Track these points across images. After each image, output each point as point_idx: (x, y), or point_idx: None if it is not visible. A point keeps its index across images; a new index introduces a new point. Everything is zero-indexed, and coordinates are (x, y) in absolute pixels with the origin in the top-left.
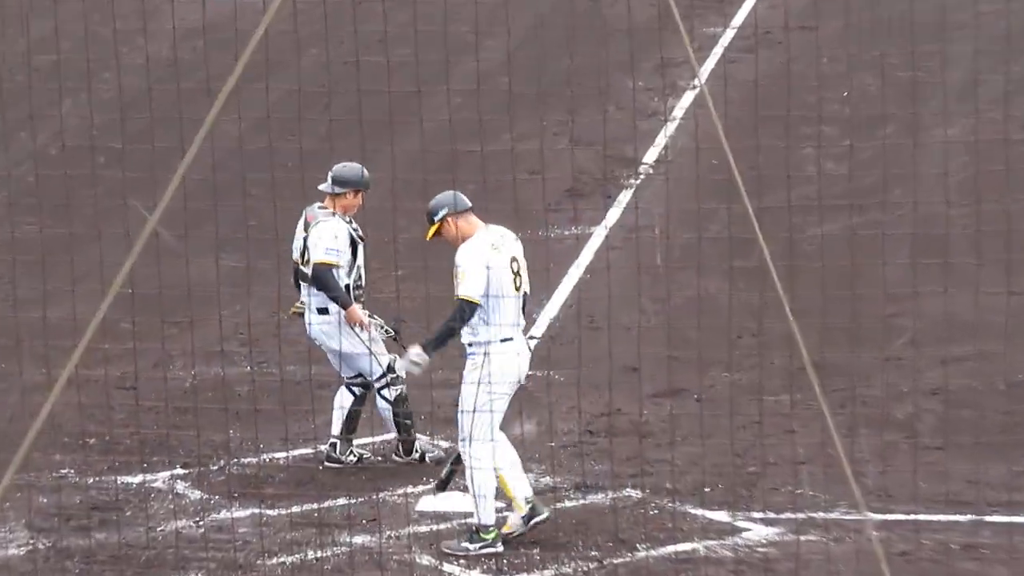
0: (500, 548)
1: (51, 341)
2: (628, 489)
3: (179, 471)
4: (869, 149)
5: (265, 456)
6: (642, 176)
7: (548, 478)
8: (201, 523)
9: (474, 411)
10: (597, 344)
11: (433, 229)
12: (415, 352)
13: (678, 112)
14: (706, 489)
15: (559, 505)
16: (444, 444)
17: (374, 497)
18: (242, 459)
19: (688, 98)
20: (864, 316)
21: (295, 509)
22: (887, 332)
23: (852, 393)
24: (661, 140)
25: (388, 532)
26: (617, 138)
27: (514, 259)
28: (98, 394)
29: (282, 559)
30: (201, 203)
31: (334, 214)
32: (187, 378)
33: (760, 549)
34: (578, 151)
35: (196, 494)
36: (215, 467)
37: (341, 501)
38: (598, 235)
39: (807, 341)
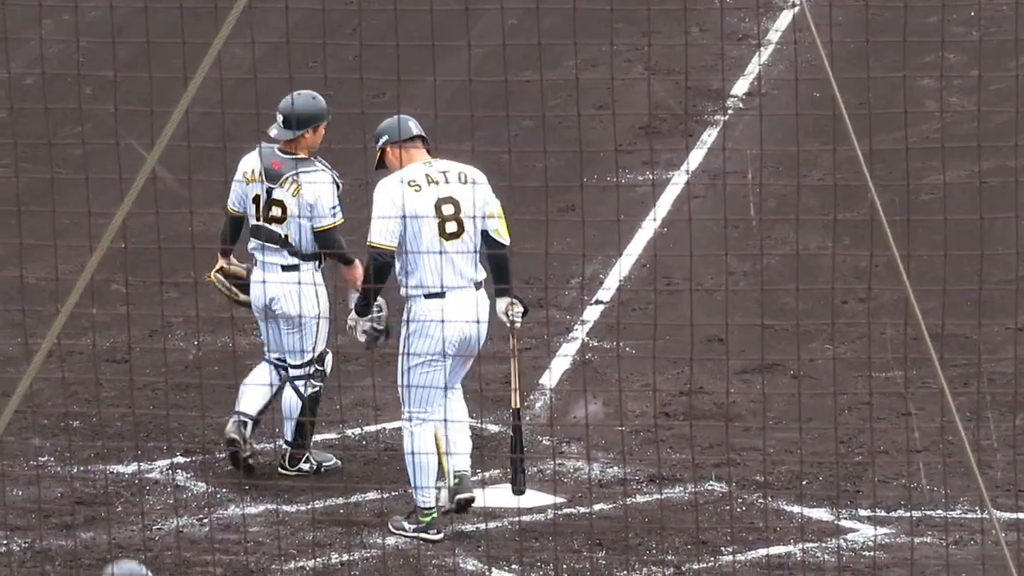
0: (437, 537)
1: (29, 306)
2: (711, 482)
3: (179, 459)
4: (1001, 81)
5: (281, 442)
6: (730, 112)
7: (617, 468)
8: (205, 521)
9: (402, 380)
10: (675, 310)
11: (376, 158)
12: (350, 318)
13: (773, 36)
14: (804, 482)
15: (630, 500)
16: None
17: (410, 491)
18: (254, 445)
19: (786, 19)
20: (993, 279)
21: (317, 505)
22: (1020, 298)
23: (978, 369)
24: (753, 69)
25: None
26: (701, 66)
27: (448, 201)
28: (84, 368)
29: (301, 563)
30: (207, 142)
31: (308, 159)
32: (189, 349)
33: (867, 553)
34: (655, 81)
35: (200, 486)
36: (222, 455)
37: (371, 495)
38: (677, 181)
39: (925, 308)
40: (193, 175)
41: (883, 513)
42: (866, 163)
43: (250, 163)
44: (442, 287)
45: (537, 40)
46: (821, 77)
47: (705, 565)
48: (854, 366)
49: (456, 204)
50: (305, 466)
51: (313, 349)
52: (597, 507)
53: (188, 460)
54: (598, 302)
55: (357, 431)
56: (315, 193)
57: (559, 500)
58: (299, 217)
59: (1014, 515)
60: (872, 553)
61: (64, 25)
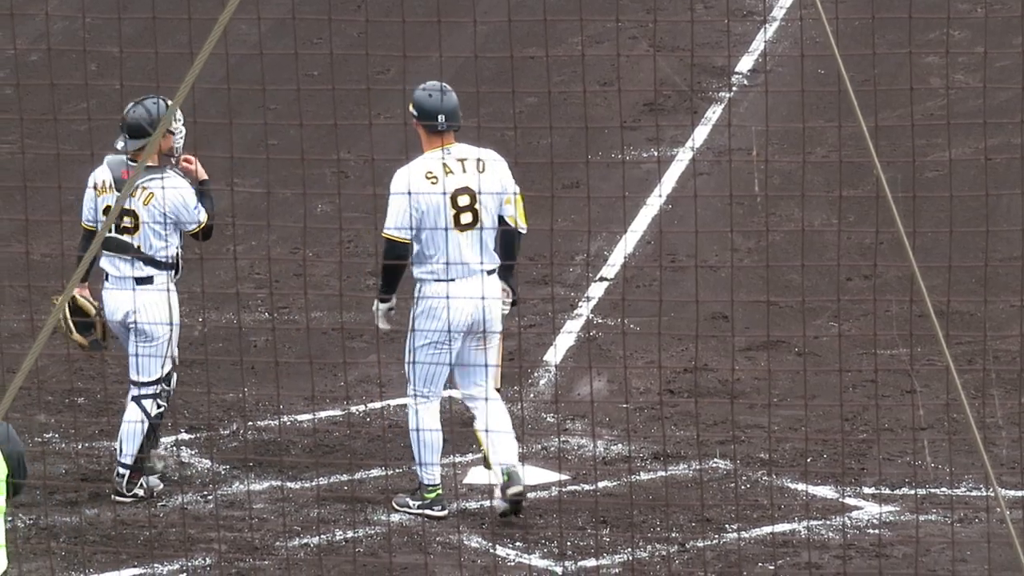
0: (441, 513)
1: (34, 282)
2: (716, 459)
3: (184, 436)
4: (1006, 58)
5: (286, 419)
6: (735, 88)
7: (621, 446)
8: (210, 497)
9: (408, 358)
10: (680, 287)
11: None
12: (375, 307)
13: (778, 12)
14: (808, 460)
15: (634, 478)
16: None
17: (414, 467)
18: (259, 422)
19: None
20: (998, 256)
21: (322, 481)
22: None
23: (983, 347)
24: (758, 46)
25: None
26: (706, 43)
27: (463, 192)
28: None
29: (306, 540)
30: (213, 118)
31: (158, 167)
32: (195, 326)
33: (872, 531)
34: (660, 58)
35: (204, 463)
36: (227, 431)
37: (376, 472)
38: (682, 158)
39: (930, 285)
40: (199, 151)
41: (888, 491)
42: (871, 140)
43: (101, 175)
44: (452, 275)
45: (542, 16)
46: (826, 54)
47: (709, 543)
48: (859, 343)
49: (471, 194)
50: (140, 491)
51: (162, 367)
52: (601, 484)
53: (193, 437)
54: (603, 279)
55: (362, 408)
56: (174, 198)
57: (563, 477)
58: (154, 224)
59: (1019, 493)
60: (877, 531)
61: (69, 1)
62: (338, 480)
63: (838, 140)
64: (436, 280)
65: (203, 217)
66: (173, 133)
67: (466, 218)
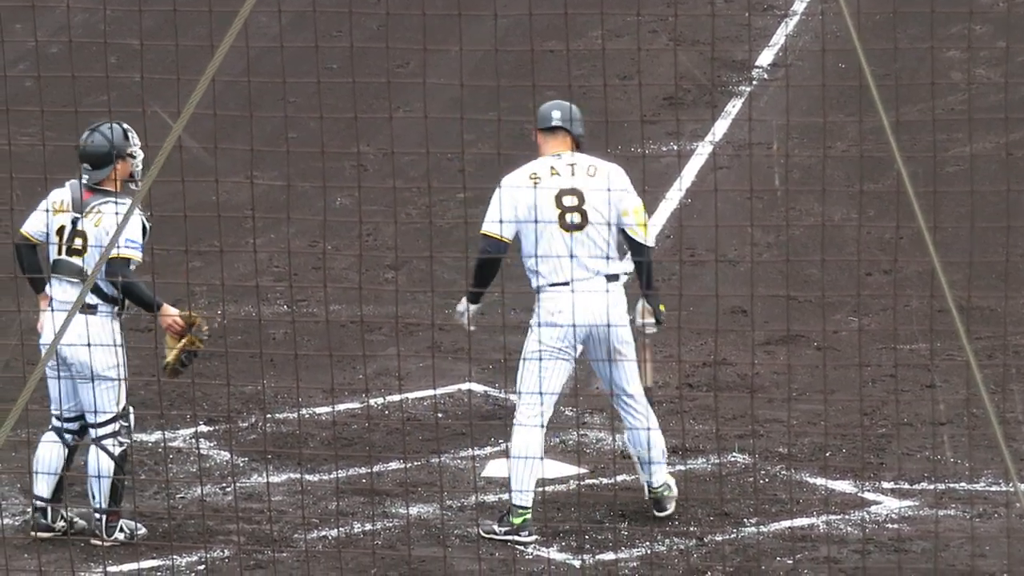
0: (530, 539)
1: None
2: (735, 453)
3: (203, 428)
4: None
5: (305, 411)
6: (756, 82)
7: None
8: (229, 490)
9: (519, 374)
10: (699, 282)
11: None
12: (460, 305)
13: (799, 6)
14: (827, 454)
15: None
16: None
17: (433, 461)
18: (278, 414)
19: None
20: (1019, 251)
21: (340, 474)
22: None
23: (1003, 342)
24: (779, 39)
25: (449, 502)
26: (726, 36)
27: (570, 192)
28: None
29: (324, 532)
30: (233, 111)
31: (120, 192)
32: (214, 318)
33: (891, 525)
34: (680, 52)
35: (223, 455)
36: (246, 424)
37: (394, 465)
38: (702, 152)
39: (951, 280)
40: (218, 143)
41: (907, 485)
42: (892, 134)
43: (60, 194)
44: (564, 278)
45: (563, 10)
46: (847, 48)
47: (728, 536)
48: (879, 338)
49: (580, 196)
50: (120, 535)
51: (117, 403)
52: (620, 478)
53: (211, 429)
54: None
55: (380, 401)
56: (117, 222)
57: (582, 471)
58: (100, 247)
59: None
60: (896, 525)
61: None
62: (357, 473)
63: (859, 134)
64: (550, 285)
65: (132, 254)
66: (133, 157)
67: (572, 218)
